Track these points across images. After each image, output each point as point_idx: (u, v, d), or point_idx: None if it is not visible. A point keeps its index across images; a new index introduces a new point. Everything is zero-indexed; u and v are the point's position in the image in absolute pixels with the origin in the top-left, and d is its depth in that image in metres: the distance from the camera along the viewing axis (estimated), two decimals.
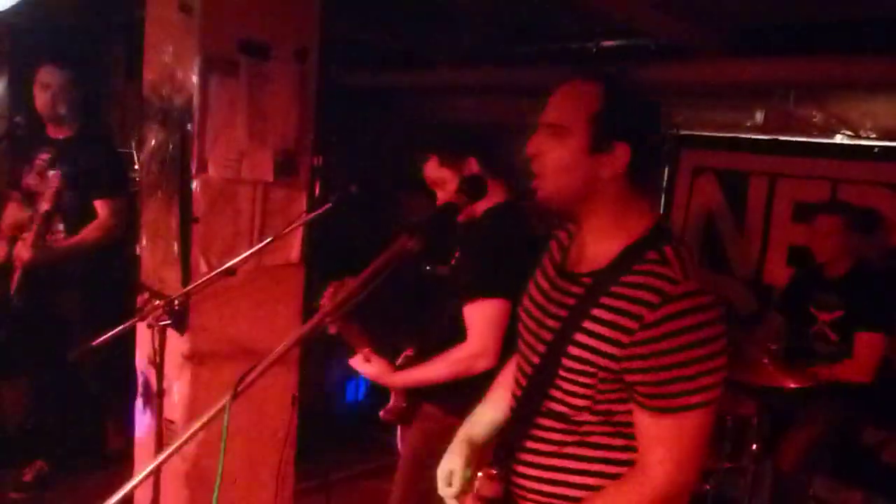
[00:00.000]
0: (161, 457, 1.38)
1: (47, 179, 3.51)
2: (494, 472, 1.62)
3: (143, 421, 3.12)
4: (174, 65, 2.75)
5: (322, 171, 3.20)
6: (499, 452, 1.66)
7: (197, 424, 1.37)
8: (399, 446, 2.77)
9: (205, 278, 2.54)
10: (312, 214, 2.56)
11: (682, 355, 1.37)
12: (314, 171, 3.06)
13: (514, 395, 1.68)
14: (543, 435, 1.56)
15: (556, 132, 1.51)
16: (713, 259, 4.44)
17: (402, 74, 5.22)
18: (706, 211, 4.46)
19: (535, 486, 1.59)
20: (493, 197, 2.34)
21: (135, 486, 1.32)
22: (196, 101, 2.66)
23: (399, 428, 2.77)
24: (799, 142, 4.00)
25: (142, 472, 1.35)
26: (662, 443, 1.44)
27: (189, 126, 2.68)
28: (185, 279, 2.76)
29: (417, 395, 2.54)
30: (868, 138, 3.76)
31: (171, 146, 2.76)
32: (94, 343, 2.41)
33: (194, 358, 2.84)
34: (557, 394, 1.52)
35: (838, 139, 3.84)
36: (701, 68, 3.80)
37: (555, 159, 1.51)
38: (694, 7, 3.36)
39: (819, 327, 3.53)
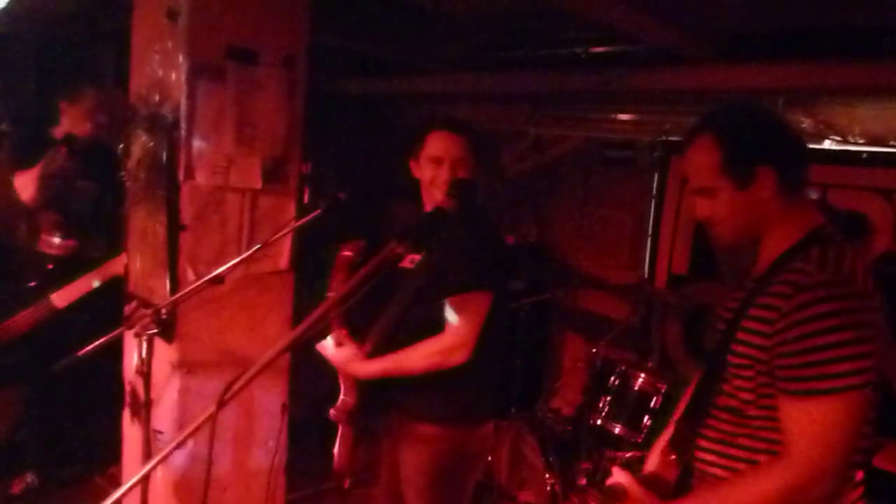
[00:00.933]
0: (147, 466, 1.36)
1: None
2: (673, 457, 1.79)
3: (131, 432, 3.09)
4: (161, 71, 2.73)
5: (311, 178, 3.18)
6: (675, 441, 1.82)
7: (184, 434, 1.35)
8: (338, 455, 2.68)
9: (192, 286, 2.52)
10: (301, 221, 2.54)
11: (817, 340, 1.48)
12: (303, 178, 3.05)
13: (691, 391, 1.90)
14: (717, 425, 1.72)
15: (706, 194, 1.72)
16: (704, 266, 4.44)
17: (392, 82, 5.21)
18: (696, 217, 4.46)
19: (709, 469, 1.74)
20: None
21: (122, 496, 1.30)
22: (183, 107, 2.64)
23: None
24: None
25: (135, 486, 1.33)
26: (802, 426, 1.53)
27: (176, 133, 2.66)
28: (173, 287, 2.73)
29: (406, 414, 2.49)
30: (856, 144, 3.77)
31: (158, 153, 2.74)
32: (79, 353, 2.39)
33: (182, 367, 2.81)
34: (728, 388, 1.68)
35: (827, 145, 3.85)
36: (690, 75, 3.80)
37: (719, 214, 1.72)
38: (683, 13, 3.36)
39: None
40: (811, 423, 1.51)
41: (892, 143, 3.61)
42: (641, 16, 3.31)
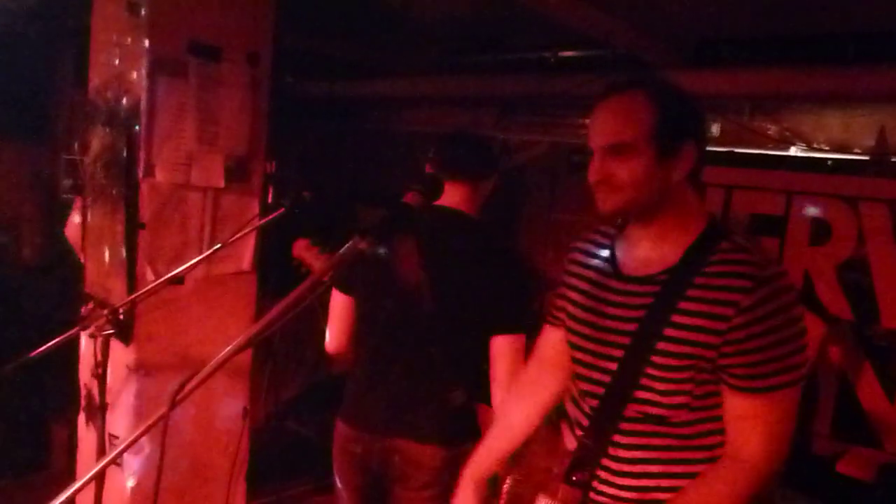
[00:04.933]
0: (96, 468, 1.30)
1: None
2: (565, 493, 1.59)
3: (86, 436, 3.00)
4: (121, 66, 2.67)
5: (276, 177, 3.12)
6: (573, 471, 1.61)
7: (135, 434, 1.29)
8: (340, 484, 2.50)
9: (151, 286, 2.45)
10: (263, 220, 2.48)
11: (777, 335, 1.41)
12: (267, 177, 2.99)
13: (582, 412, 1.66)
14: (636, 441, 1.55)
15: (619, 151, 1.50)
16: None
17: (360, 85, 5.17)
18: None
19: (631, 495, 1.57)
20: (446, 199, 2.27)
21: (69, 498, 1.24)
22: (143, 102, 2.59)
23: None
24: (754, 154, 4.03)
25: (82, 488, 1.27)
26: (758, 422, 1.45)
27: (136, 128, 2.60)
28: (131, 288, 2.66)
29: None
30: (821, 151, 3.80)
31: (116, 149, 2.67)
32: (31, 354, 2.31)
33: (140, 370, 2.74)
34: (649, 395, 1.50)
35: (792, 152, 3.88)
36: None
37: (626, 177, 1.50)
38: (650, 18, 3.37)
39: None
40: (767, 419, 1.45)
41: (857, 150, 3.65)
42: (609, 20, 3.31)
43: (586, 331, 1.66)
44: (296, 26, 3.87)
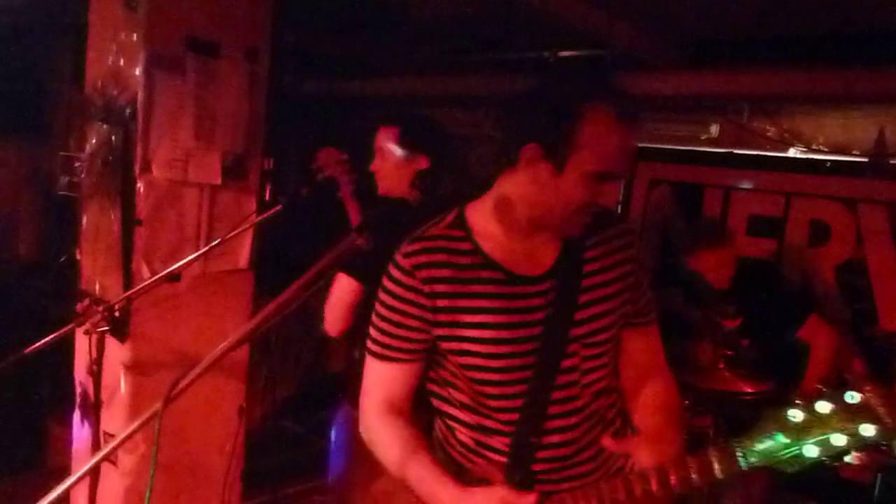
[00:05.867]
0: (88, 464, 1.29)
1: None
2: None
3: (81, 434, 2.98)
4: (118, 62, 2.65)
5: (273, 174, 3.10)
6: (514, 467, 1.57)
7: (128, 430, 1.28)
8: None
9: (147, 283, 2.44)
10: (260, 217, 2.47)
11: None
12: (265, 174, 2.97)
13: (503, 409, 1.58)
14: (564, 423, 1.59)
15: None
16: (667, 271, 4.44)
17: (358, 84, 5.16)
18: (661, 223, 4.47)
19: (569, 462, 1.61)
20: None
21: (62, 495, 1.23)
22: (140, 99, 2.57)
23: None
24: (753, 155, 4.03)
25: (76, 484, 1.25)
26: (658, 346, 1.70)
27: (133, 125, 2.58)
28: (127, 285, 2.65)
29: None
30: (820, 152, 3.80)
31: (113, 146, 2.66)
32: (25, 352, 2.30)
33: (135, 367, 2.72)
34: (574, 376, 1.58)
35: (791, 153, 3.88)
36: (655, 80, 3.80)
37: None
38: (650, 18, 3.36)
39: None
40: (658, 339, 1.70)
41: (856, 152, 3.64)
42: (609, 19, 3.30)
43: (505, 335, 1.56)
44: (295, 25, 3.86)
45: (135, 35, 2.58)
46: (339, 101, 5.52)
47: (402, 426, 1.60)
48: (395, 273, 1.56)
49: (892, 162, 3.55)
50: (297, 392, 4.92)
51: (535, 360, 1.55)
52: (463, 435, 1.64)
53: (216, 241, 2.49)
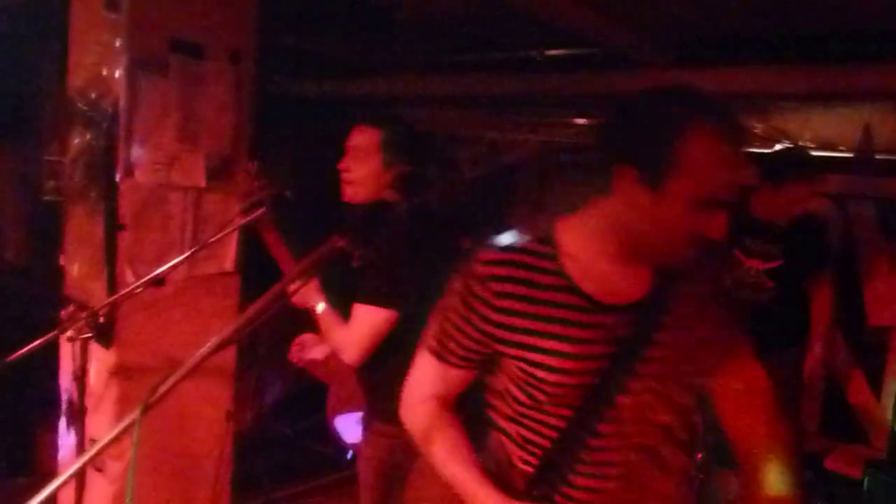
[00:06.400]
0: (69, 471, 1.27)
1: None
2: None
3: (67, 441, 2.95)
4: (101, 64, 2.63)
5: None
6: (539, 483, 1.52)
7: (105, 439, 1.27)
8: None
9: (131, 288, 2.42)
10: (245, 220, 2.44)
11: None
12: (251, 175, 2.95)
13: (546, 425, 1.52)
14: (605, 456, 1.49)
15: None
16: None
17: (348, 84, 5.15)
18: None
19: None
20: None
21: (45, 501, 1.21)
22: (123, 101, 2.55)
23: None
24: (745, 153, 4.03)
25: (55, 491, 1.24)
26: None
27: (115, 128, 2.56)
28: (111, 290, 2.62)
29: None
30: (807, 148, 3.80)
31: (96, 150, 2.63)
32: (9, 358, 2.28)
33: (121, 373, 2.69)
34: (625, 413, 1.48)
35: (778, 149, 3.88)
36: (645, 78, 3.80)
37: None
38: (639, 16, 3.35)
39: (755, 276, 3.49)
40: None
41: (842, 148, 3.65)
42: (598, 18, 3.29)
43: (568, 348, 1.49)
44: (284, 25, 3.83)
45: (117, 37, 2.55)
46: (329, 102, 5.51)
47: (449, 424, 1.58)
48: (469, 276, 1.48)
49: (878, 157, 3.56)
50: (286, 395, 4.90)
51: (592, 389, 1.47)
52: (508, 446, 1.59)
53: (201, 245, 2.47)
